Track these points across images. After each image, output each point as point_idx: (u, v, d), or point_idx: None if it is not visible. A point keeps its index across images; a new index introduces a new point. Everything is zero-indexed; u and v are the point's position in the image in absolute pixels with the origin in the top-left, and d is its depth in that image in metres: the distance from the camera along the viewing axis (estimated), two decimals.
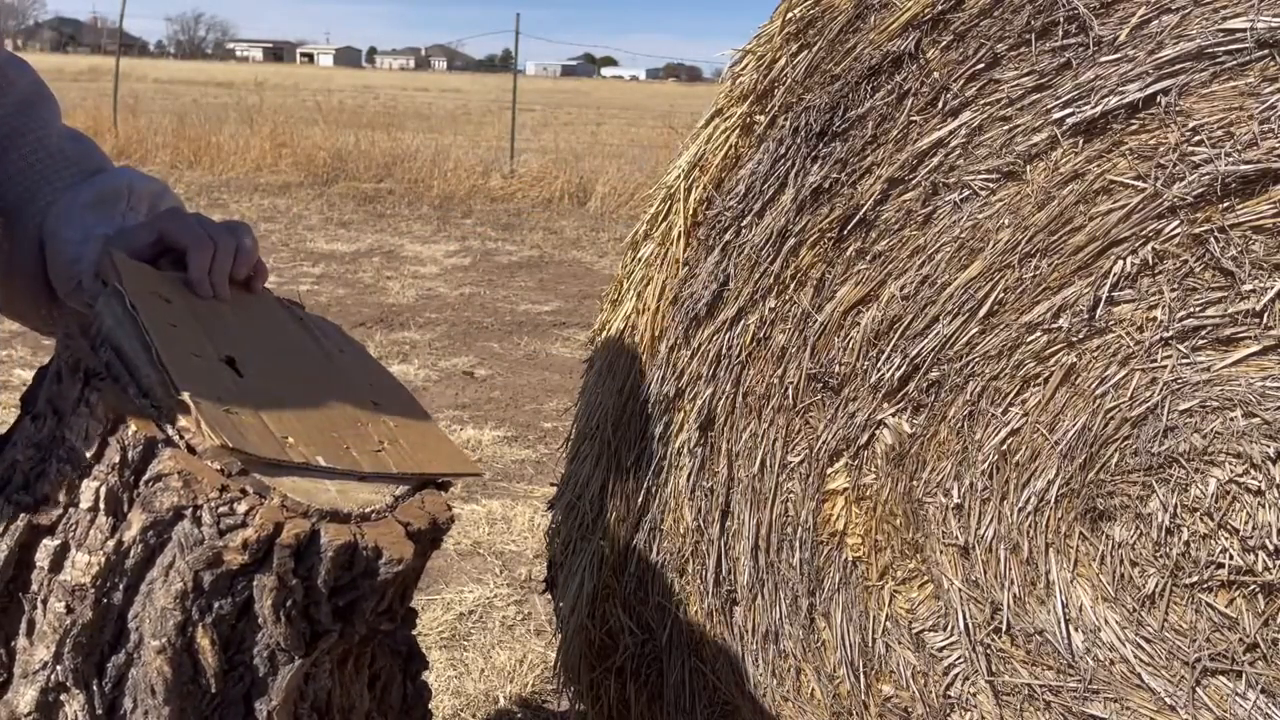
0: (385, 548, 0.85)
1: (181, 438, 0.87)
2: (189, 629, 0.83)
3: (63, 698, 0.86)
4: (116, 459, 0.85)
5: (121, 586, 0.85)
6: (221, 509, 0.82)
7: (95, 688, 0.85)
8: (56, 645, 0.85)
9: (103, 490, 0.85)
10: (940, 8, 1.37)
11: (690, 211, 1.58)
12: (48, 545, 0.87)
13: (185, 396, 0.88)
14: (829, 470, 1.57)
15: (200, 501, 0.83)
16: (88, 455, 0.86)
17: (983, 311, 1.43)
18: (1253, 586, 1.35)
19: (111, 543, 0.85)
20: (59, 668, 0.85)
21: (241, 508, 0.82)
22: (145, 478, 0.85)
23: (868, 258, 1.49)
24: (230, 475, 0.85)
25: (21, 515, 0.88)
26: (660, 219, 1.63)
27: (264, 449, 0.89)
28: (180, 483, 0.83)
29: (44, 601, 0.87)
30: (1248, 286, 1.29)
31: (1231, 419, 1.33)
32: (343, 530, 0.84)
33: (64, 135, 1.20)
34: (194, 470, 0.84)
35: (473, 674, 2.59)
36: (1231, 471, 1.34)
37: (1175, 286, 1.34)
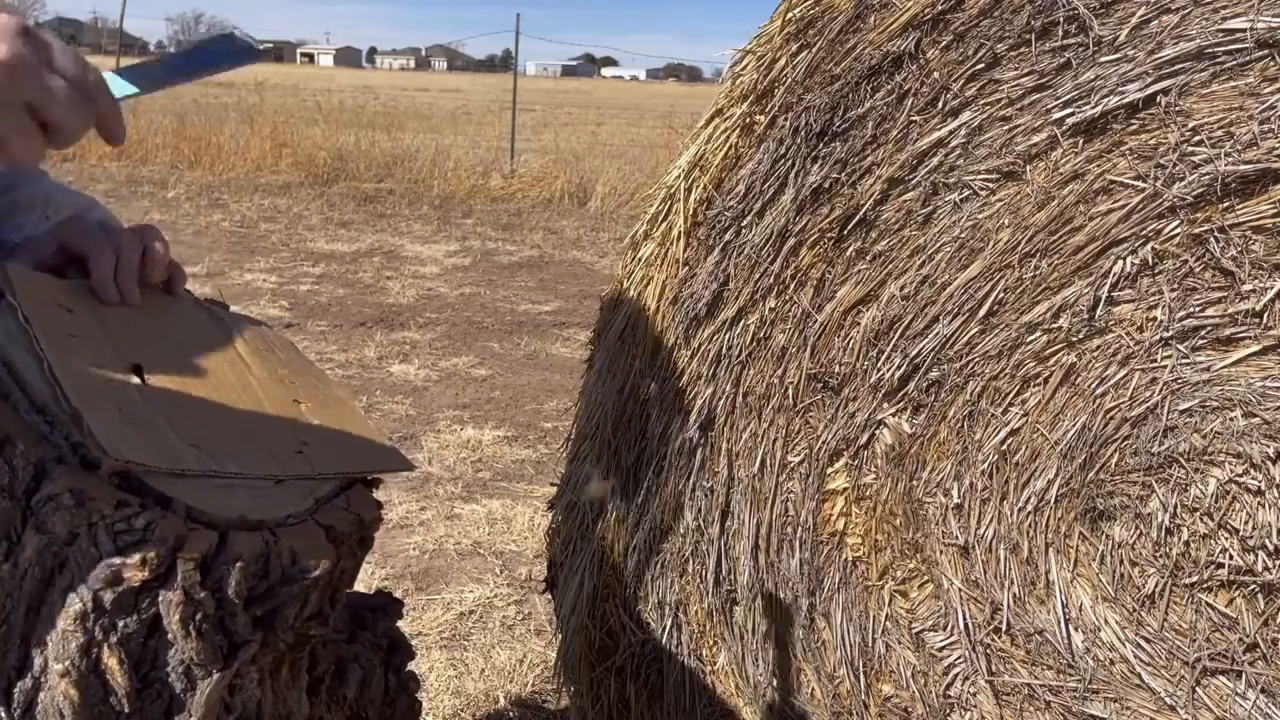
0: (302, 553, 0.83)
1: (77, 454, 0.84)
2: (94, 650, 0.81)
3: None
4: (7, 480, 0.82)
5: (21, 610, 0.82)
6: (118, 525, 0.80)
7: (4, 714, 0.83)
8: None
9: None
10: (940, 8, 1.37)
11: (690, 211, 1.58)
12: None
13: (78, 410, 0.85)
14: (829, 470, 1.57)
15: (95, 519, 0.80)
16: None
17: (983, 311, 1.43)
18: (1253, 586, 1.35)
19: (6, 566, 0.82)
20: None
21: (140, 523, 0.80)
22: (37, 498, 0.81)
23: (868, 258, 1.49)
24: (129, 490, 0.83)
25: None
26: (660, 219, 1.63)
27: (168, 459, 0.86)
28: (74, 501, 0.80)
29: None
30: (1248, 286, 1.29)
31: (1231, 419, 1.33)
32: (253, 539, 0.82)
33: None
34: (88, 488, 0.81)
35: (473, 674, 2.59)
36: (1231, 471, 1.34)
37: (1175, 286, 1.33)
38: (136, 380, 0.95)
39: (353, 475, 0.96)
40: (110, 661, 0.81)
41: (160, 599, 0.81)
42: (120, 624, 0.81)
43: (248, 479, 0.89)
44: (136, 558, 0.79)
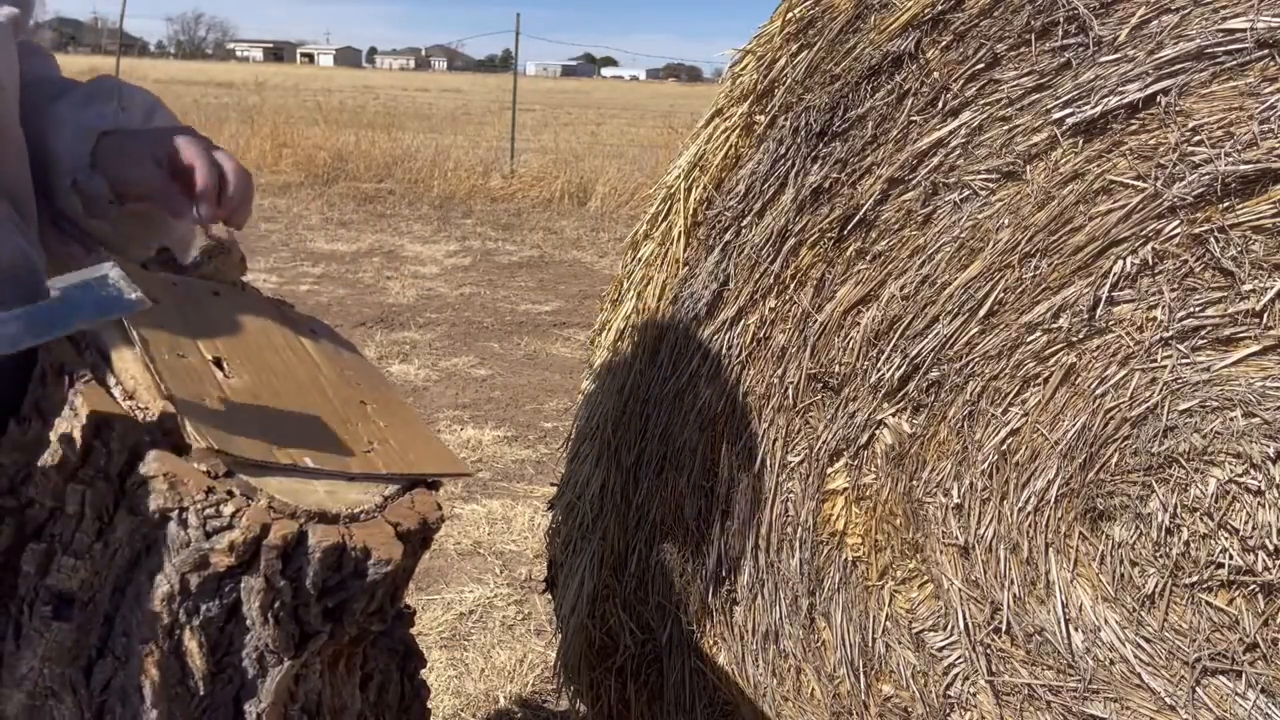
0: (374, 548, 0.85)
1: (169, 439, 0.86)
2: (176, 632, 0.83)
3: (50, 702, 0.85)
4: (102, 462, 0.85)
5: (108, 590, 0.85)
6: (208, 511, 0.82)
7: (83, 692, 0.85)
8: (43, 650, 0.84)
9: (88, 494, 0.84)
10: (940, 8, 1.37)
11: (690, 211, 1.58)
12: (34, 549, 0.86)
13: (171, 399, 0.87)
14: (829, 470, 1.57)
15: (186, 504, 0.82)
16: (73, 458, 0.85)
17: (983, 311, 1.43)
18: (1253, 586, 1.35)
19: (98, 546, 0.84)
20: (46, 672, 0.85)
21: (228, 510, 0.82)
22: (131, 481, 0.84)
23: (868, 258, 1.49)
24: (217, 477, 0.85)
25: (7, 519, 0.87)
26: (660, 219, 1.63)
27: (251, 450, 0.88)
28: (166, 485, 0.83)
29: (30, 606, 0.86)
30: (1248, 286, 1.29)
31: (1231, 419, 1.33)
32: (331, 531, 0.84)
33: (55, 70, 1.21)
34: (180, 472, 0.83)
35: (473, 674, 2.59)
36: (1231, 471, 1.34)
37: (1175, 286, 1.34)
38: (219, 372, 0.98)
39: (416, 476, 0.98)
40: (191, 644, 0.83)
41: (242, 585, 0.82)
42: (203, 607, 0.83)
43: (323, 474, 0.91)
44: (225, 543, 0.81)
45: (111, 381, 0.90)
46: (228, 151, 1.10)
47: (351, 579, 0.85)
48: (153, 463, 0.84)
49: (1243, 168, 1.26)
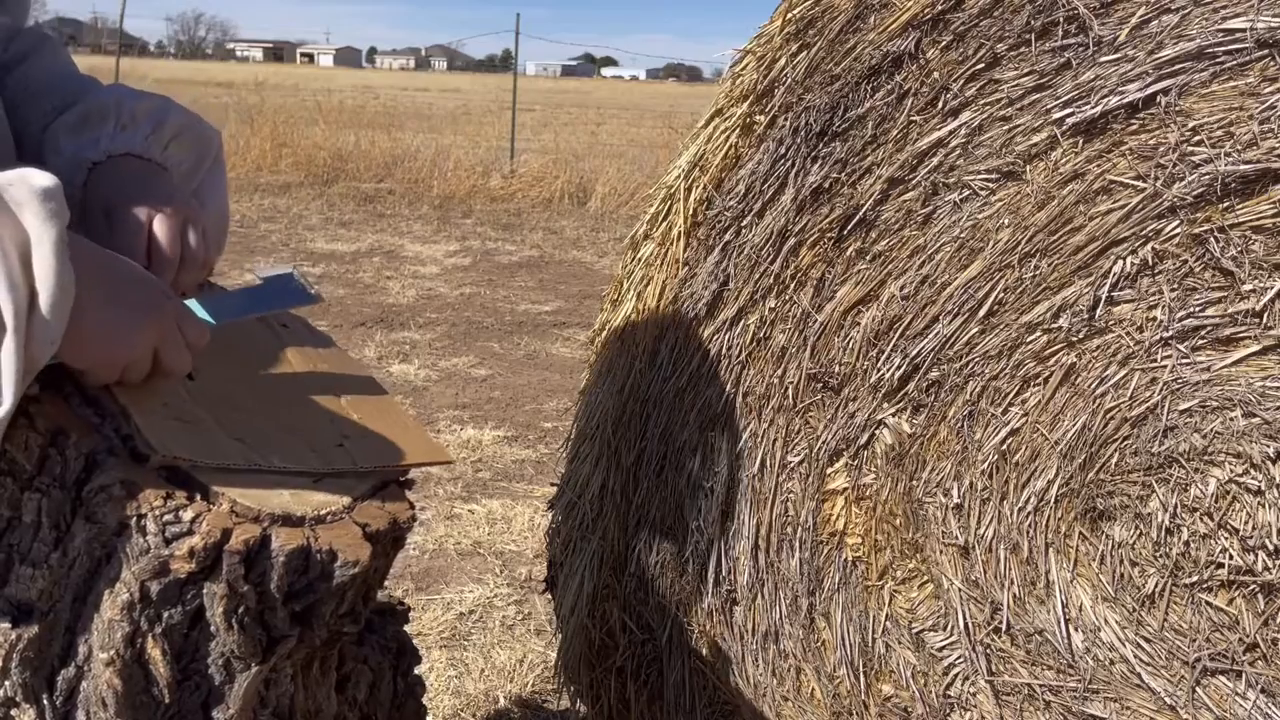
0: (341, 550, 0.84)
1: (126, 446, 0.86)
2: (138, 640, 0.82)
3: (14, 713, 0.85)
4: (58, 471, 0.84)
5: (68, 599, 0.84)
6: (166, 517, 0.81)
7: (46, 702, 0.84)
8: (4, 660, 0.84)
9: (45, 503, 0.84)
10: (940, 8, 1.37)
11: (690, 211, 1.58)
12: None
13: (126, 405, 0.86)
14: (829, 470, 1.57)
15: (144, 510, 0.81)
16: (29, 468, 0.84)
17: (983, 311, 1.43)
18: (1253, 586, 1.35)
19: (56, 555, 0.83)
20: (8, 683, 0.84)
21: (187, 515, 0.81)
22: (88, 489, 0.83)
23: (868, 258, 1.49)
24: (176, 483, 0.84)
25: None
26: (660, 219, 1.63)
27: (213, 453, 0.87)
28: (124, 492, 0.82)
29: None
30: (1248, 286, 1.29)
31: (1231, 419, 1.33)
32: (295, 534, 0.83)
33: (64, 68, 1.15)
34: (138, 480, 0.83)
35: (473, 674, 2.59)
36: (1231, 471, 1.34)
37: (1175, 286, 1.34)
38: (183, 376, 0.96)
39: (393, 468, 0.97)
40: (154, 652, 0.82)
41: (205, 591, 0.82)
42: (165, 615, 0.82)
43: (290, 474, 0.90)
44: (184, 549, 0.81)
45: (68, 389, 0.89)
46: (187, 215, 1.04)
47: (318, 582, 0.84)
48: (110, 470, 0.83)
49: (1243, 168, 1.26)
